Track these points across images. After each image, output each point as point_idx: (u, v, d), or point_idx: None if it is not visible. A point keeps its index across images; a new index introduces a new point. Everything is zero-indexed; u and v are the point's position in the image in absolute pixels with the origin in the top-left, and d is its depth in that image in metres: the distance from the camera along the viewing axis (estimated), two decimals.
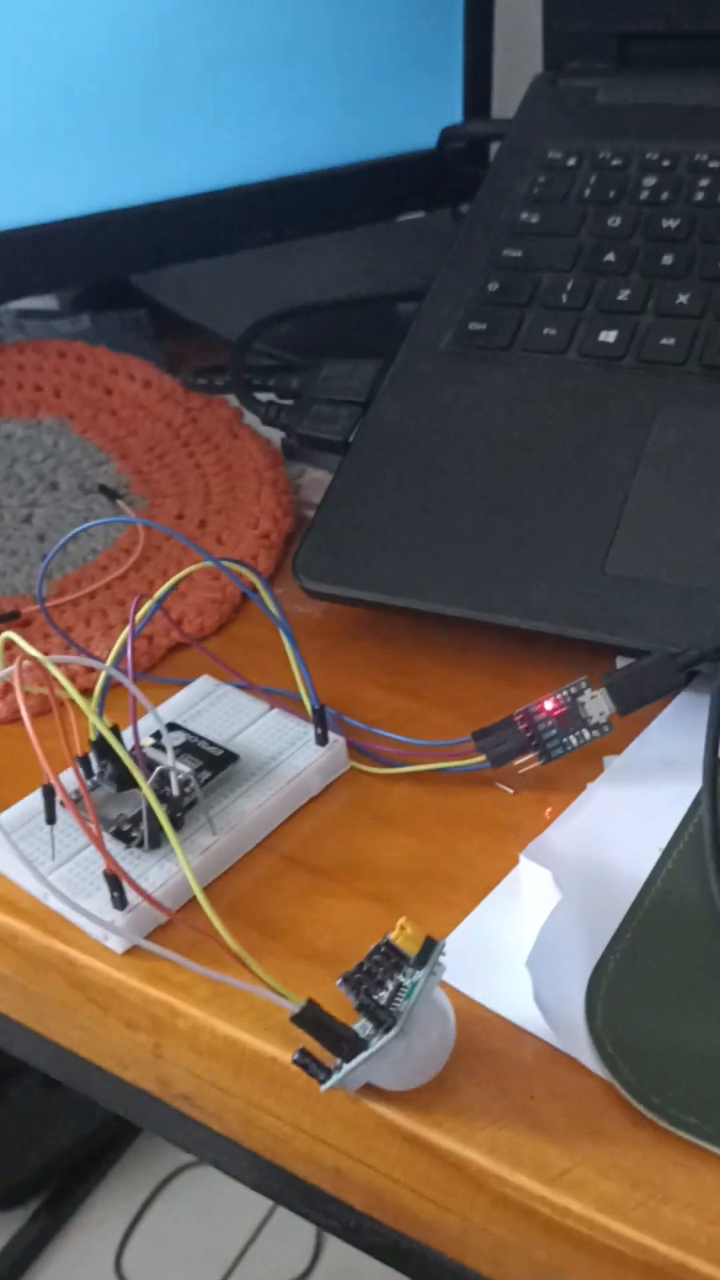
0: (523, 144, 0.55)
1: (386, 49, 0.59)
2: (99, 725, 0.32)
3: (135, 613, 0.34)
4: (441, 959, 0.29)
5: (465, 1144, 0.28)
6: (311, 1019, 0.28)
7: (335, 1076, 0.28)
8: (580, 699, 0.37)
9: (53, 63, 0.53)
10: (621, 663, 0.40)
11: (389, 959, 0.29)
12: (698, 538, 0.40)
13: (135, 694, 0.32)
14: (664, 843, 0.35)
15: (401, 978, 0.29)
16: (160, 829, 0.35)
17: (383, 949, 0.29)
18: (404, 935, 0.29)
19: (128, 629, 0.34)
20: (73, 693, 0.30)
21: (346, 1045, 0.28)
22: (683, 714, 0.39)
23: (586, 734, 0.37)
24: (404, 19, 0.59)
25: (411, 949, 0.28)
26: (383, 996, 0.28)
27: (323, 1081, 0.28)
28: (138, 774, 0.30)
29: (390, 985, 0.29)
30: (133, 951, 0.33)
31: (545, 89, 0.57)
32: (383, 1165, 0.30)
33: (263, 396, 0.52)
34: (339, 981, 0.29)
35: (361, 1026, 0.28)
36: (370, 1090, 0.29)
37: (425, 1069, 0.29)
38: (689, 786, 0.36)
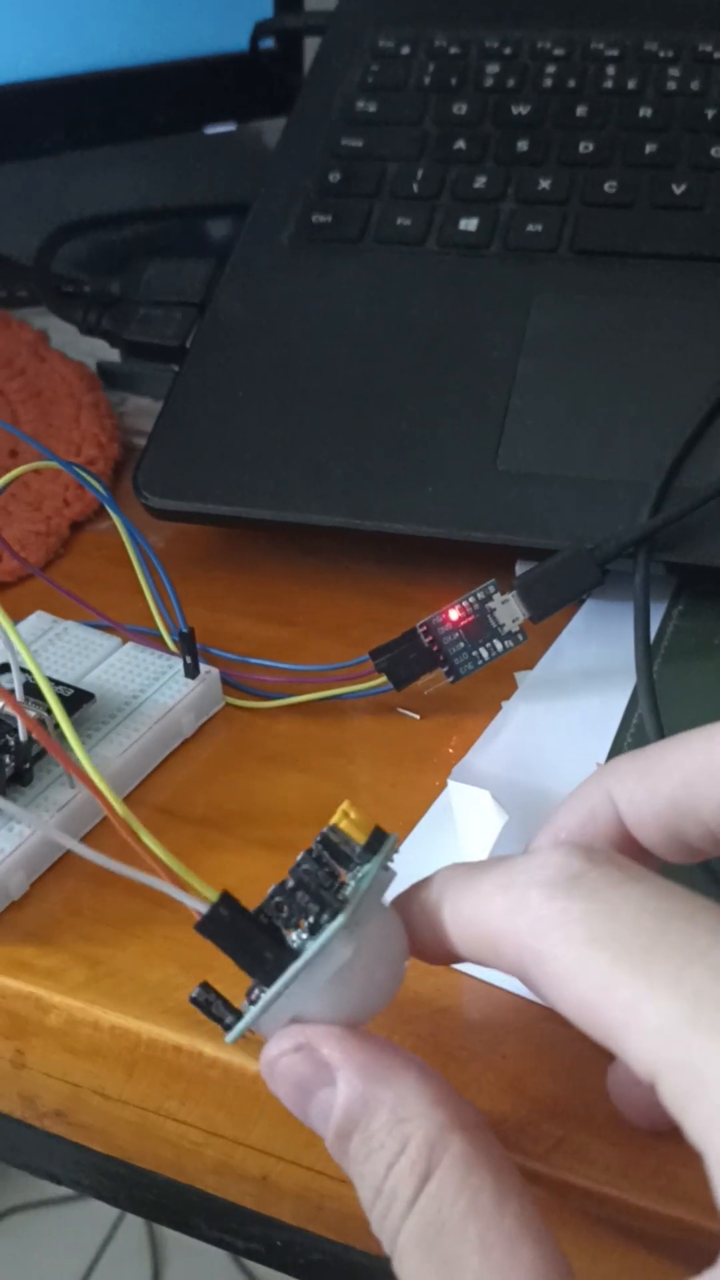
0: (348, 34, 0.50)
1: None
2: None
3: None
4: (395, 856, 0.23)
5: None
6: (228, 921, 0.21)
7: (252, 1011, 0.21)
8: (490, 605, 0.32)
9: None
10: (521, 569, 0.36)
11: (323, 865, 0.22)
12: (592, 427, 0.36)
13: None
14: (603, 756, 0.30)
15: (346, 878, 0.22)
16: (5, 783, 0.28)
17: (316, 851, 0.22)
18: (348, 821, 0.22)
19: None
20: None
21: (271, 956, 0.21)
22: (592, 621, 0.35)
23: (499, 645, 0.32)
24: None
25: (359, 838, 0.22)
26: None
27: (229, 1026, 0.21)
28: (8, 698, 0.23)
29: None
30: None
31: None
32: (328, 1164, 0.24)
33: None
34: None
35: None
36: None
37: (374, 994, 0.22)
38: (615, 696, 0.32)
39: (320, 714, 0.33)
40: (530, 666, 0.34)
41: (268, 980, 0.21)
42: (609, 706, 0.32)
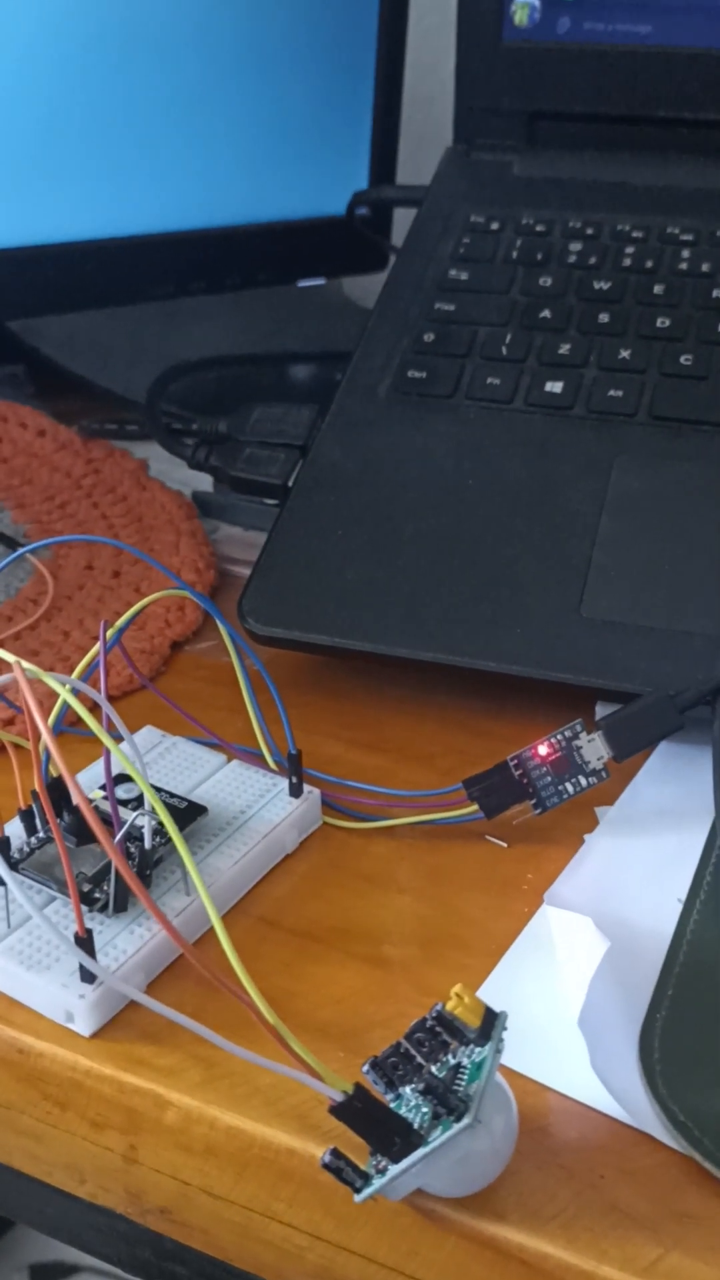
0: (442, 209, 0.54)
1: (298, 114, 0.58)
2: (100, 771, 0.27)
3: (106, 630, 0.30)
4: (504, 1034, 0.25)
5: (536, 1237, 0.24)
6: (360, 1109, 0.23)
7: (378, 1182, 0.23)
8: (576, 743, 0.34)
9: None
10: (601, 710, 0.38)
11: (435, 1036, 0.24)
12: (672, 582, 0.39)
13: (110, 713, 0.27)
14: (683, 894, 0.32)
15: (453, 1057, 0.24)
16: (128, 890, 0.30)
17: (430, 1024, 0.24)
18: (462, 1006, 0.24)
19: (98, 646, 0.29)
20: (42, 726, 0.25)
21: (400, 1142, 0.23)
22: (668, 763, 0.37)
23: (583, 781, 0.34)
24: (317, 87, 0.58)
25: (473, 1021, 0.24)
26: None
27: (359, 1190, 0.24)
28: (153, 795, 0.25)
29: (438, 1068, 0.24)
30: (103, 1034, 0.28)
31: (459, 160, 0.57)
32: (428, 1273, 0.25)
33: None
34: (366, 1067, 0.25)
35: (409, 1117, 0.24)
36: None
37: (488, 1168, 0.24)
38: (692, 836, 0.34)
39: (413, 837, 0.34)
40: (609, 802, 0.36)
41: (395, 1160, 0.23)
42: (686, 844, 0.34)
